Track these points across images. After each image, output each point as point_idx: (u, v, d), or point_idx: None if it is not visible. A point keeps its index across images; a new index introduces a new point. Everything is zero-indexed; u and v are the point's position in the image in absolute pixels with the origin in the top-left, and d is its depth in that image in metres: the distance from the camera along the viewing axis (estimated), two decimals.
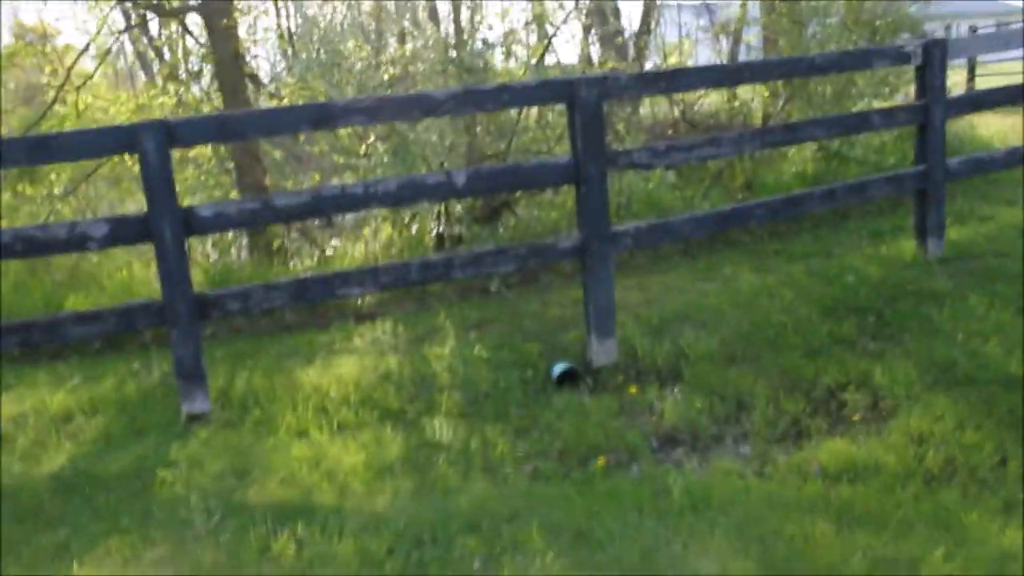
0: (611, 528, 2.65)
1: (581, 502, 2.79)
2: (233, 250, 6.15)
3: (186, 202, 5.88)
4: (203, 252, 6.10)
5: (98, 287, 5.18)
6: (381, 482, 3.11)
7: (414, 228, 6.27)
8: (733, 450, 3.18)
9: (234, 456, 3.38)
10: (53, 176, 5.81)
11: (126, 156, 3.55)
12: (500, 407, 3.76)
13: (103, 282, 5.24)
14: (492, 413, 3.71)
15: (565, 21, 7.30)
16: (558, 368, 4.07)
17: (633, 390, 3.78)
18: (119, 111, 6.49)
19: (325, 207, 3.89)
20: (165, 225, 3.55)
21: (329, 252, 6.19)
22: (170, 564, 2.65)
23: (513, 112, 6.21)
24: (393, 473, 3.16)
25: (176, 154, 4.47)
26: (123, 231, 3.64)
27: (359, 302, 5.27)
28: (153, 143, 3.48)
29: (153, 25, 8.84)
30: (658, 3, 8.96)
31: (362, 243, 6.19)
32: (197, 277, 5.38)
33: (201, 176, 6.29)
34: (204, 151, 6.10)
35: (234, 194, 6.24)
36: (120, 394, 4.13)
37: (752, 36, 9.04)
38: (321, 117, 3.89)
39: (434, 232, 6.10)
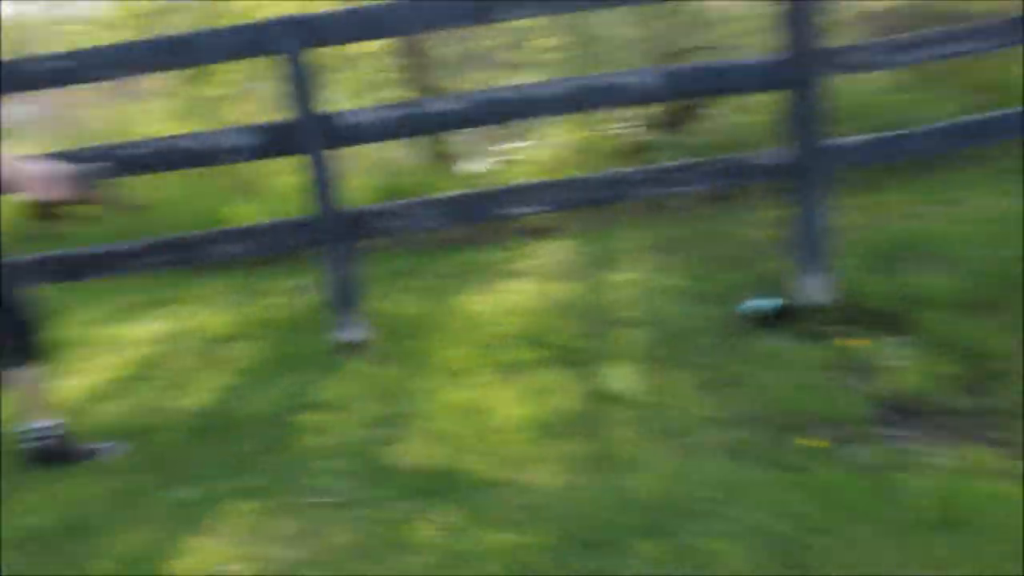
0: (831, 547, 2.07)
1: (790, 499, 2.25)
2: (396, 155, 5.82)
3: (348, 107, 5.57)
4: (359, 161, 5.81)
5: (259, 196, 4.98)
6: (545, 446, 2.69)
7: (594, 132, 5.75)
8: (987, 434, 2.55)
9: (382, 399, 3.07)
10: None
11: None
12: (688, 352, 3.27)
13: (264, 191, 5.05)
14: (678, 359, 3.22)
15: None
16: (758, 305, 3.51)
17: (852, 341, 3.17)
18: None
19: (489, 114, 3.42)
20: (309, 134, 3.21)
21: (500, 160, 5.76)
22: (295, 543, 2.33)
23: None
24: (560, 434, 2.75)
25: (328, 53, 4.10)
26: (270, 140, 3.33)
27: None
28: (293, 41, 3.12)
29: None
30: None
31: (537, 149, 5.72)
32: (352, 190, 5.10)
33: (364, 78, 5.95)
34: (368, 47, 5.71)
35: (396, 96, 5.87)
36: (272, 317, 3.93)
37: None
38: (481, 9, 3.36)
39: (616, 138, 5.55)
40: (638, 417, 2.83)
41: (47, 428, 2.77)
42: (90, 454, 2.83)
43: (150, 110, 5.70)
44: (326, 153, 3.30)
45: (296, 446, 2.82)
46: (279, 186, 4.91)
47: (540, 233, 4.71)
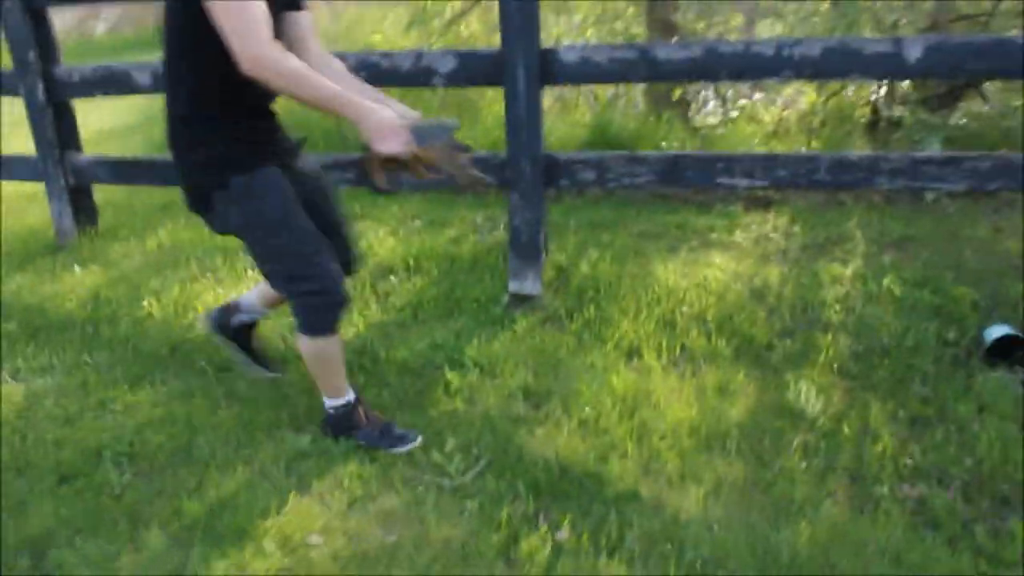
0: None
1: None
2: (622, 98, 5.47)
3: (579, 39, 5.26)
4: (576, 98, 5.50)
5: (480, 122, 4.82)
6: (703, 461, 2.39)
7: (847, 95, 5.13)
8: None
9: (540, 369, 2.85)
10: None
11: None
12: (899, 376, 2.82)
13: (484, 116, 4.88)
14: (885, 383, 2.79)
15: None
16: (994, 333, 2.97)
17: None
18: None
19: (719, 69, 3.03)
20: (518, 66, 2.98)
21: (733, 114, 5.28)
22: (391, 525, 2.17)
23: None
24: (723, 450, 2.43)
25: None
26: (472, 68, 3.14)
27: None
28: None
29: None
30: None
31: (775, 107, 5.20)
32: (561, 129, 4.83)
33: (599, 10, 5.59)
34: None
35: (640, 33, 5.49)
36: (453, 250, 3.78)
37: None
38: None
39: (869, 109, 4.92)
40: (817, 446, 2.46)
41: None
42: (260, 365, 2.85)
43: (374, 17, 5.66)
44: (531, 89, 3.06)
45: (430, 408, 2.65)
46: (491, 115, 4.74)
47: (757, 203, 4.27)
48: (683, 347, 2.98)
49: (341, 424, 2.46)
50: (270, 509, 2.23)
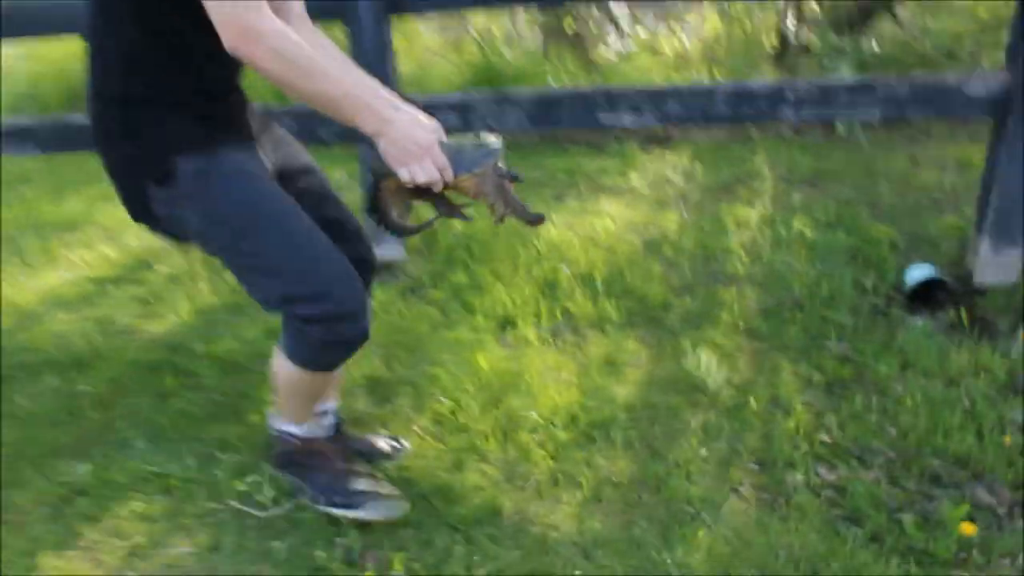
0: None
1: None
2: (515, 33, 4.97)
3: None
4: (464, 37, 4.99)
5: None
6: (583, 456, 1.97)
7: (753, 22, 4.73)
8: None
9: (394, 352, 2.38)
10: None
11: None
12: (813, 333, 2.44)
13: None
14: (798, 342, 2.40)
15: None
16: (916, 276, 2.62)
17: None
18: None
19: None
20: None
21: (633, 47, 4.83)
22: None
23: None
24: (608, 442, 2.01)
25: None
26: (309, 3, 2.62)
27: None
28: None
29: None
30: None
31: (675, 37, 4.77)
32: (448, 68, 4.34)
33: None
34: None
35: None
36: None
37: None
38: None
39: (776, 35, 4.52)
40: (719, 427, 2.06)
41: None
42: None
43: None
44: (378, 21, 2.57)
45: (249, 415, 2.16)
46: None
47: (654, 142, 3.85)
48: (566, 313, 2.55)
49: (286, 458, 1.87)
50: None
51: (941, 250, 2.80)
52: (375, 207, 1.59)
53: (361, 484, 1.79)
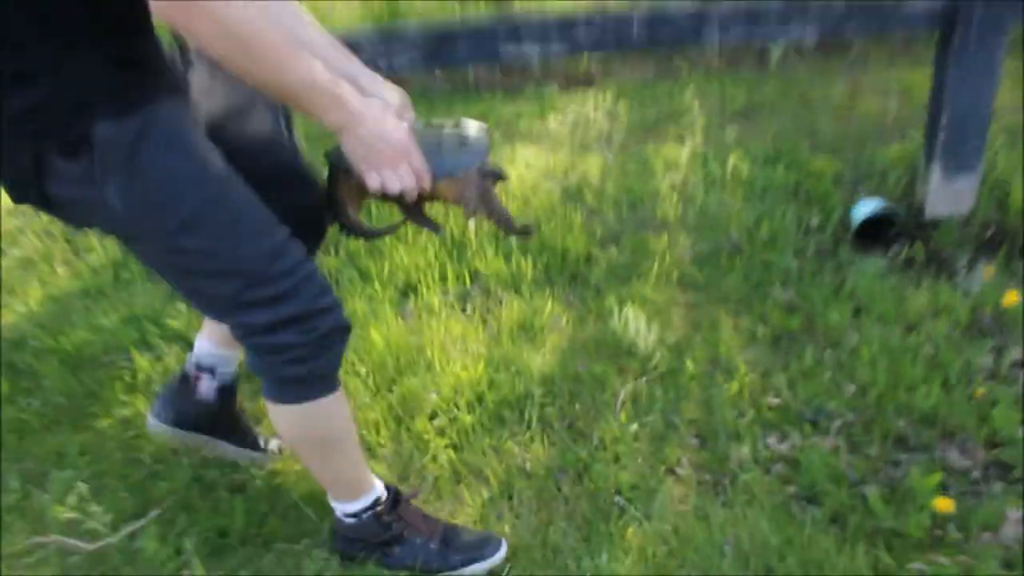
0: None
1: None
2: None
3: None
4: None
5: None
6: (491, 444, 1.68)
7: None
8: None
9: None
10: None
11: None
12: (755, 281, 2.17)
13: None
14: (738, 292, 2.13)
15: None
16: (864, 211, 2.36)
17: (1014, 297, 2.01)
18: None
19: None
20: None
21: None
22: None
23: None
24: (521, 425, 1.71)
25: None
26: None
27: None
28: None
29: None
30: None
31: None
32: (352, 8, 3.93)
33: None
34: None
35: None
36: None
37: None
38: None
39: None
40: (651, 397, 1.77)
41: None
42: None
43: None
44: None
45: (94, 421, 1.81)
46: None
47: (576, 82, 3.52)
48: (475, 274, 2.23)
49: (366, 536, 1.43)
50: None
51: (889, 182, 2.54)
52: (332, 204, 1.31)
53: (462, 532, 1.47)
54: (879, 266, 2.24)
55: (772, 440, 1.68)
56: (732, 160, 2.69)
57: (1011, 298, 1.98)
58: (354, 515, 1.39)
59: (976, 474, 1.59)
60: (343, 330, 1.25)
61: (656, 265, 2.24)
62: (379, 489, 1.41)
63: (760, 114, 3.13)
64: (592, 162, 2.79)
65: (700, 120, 3.04)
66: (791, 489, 1.56)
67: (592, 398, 1.78)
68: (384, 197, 1.24)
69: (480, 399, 1.76)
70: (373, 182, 1.18)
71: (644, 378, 1.84)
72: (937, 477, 1.51)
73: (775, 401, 1.77)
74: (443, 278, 2.22)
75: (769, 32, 2.41)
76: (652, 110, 3.20)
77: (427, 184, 1.20)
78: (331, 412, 1.30)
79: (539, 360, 1.90)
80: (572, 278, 2.24)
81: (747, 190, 2.55)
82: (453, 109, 3.28)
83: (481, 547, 1.43)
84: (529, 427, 1.70)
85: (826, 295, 2.11)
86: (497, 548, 1.43)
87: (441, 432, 1.69)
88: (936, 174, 2.37)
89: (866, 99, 3.20)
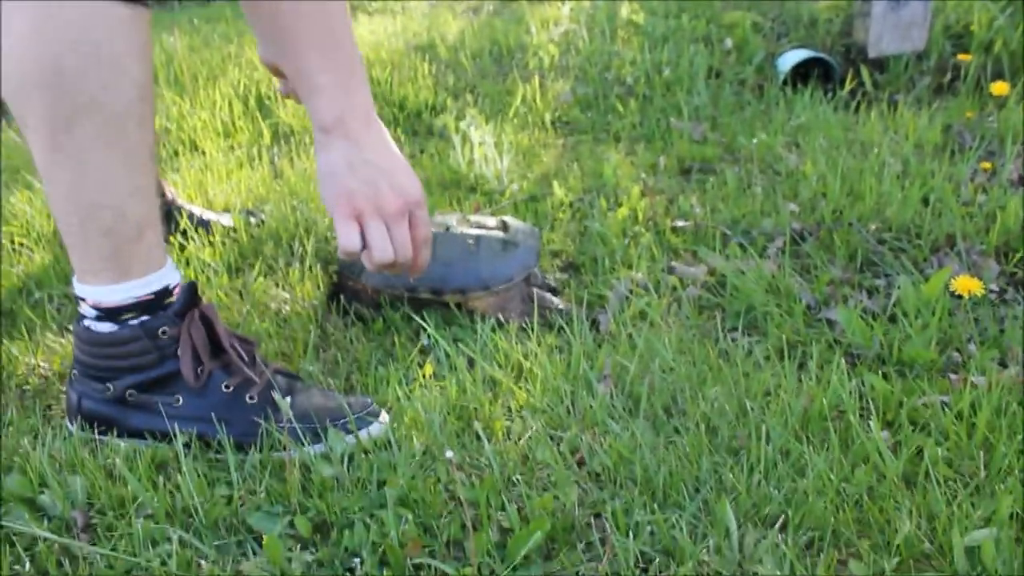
0: None
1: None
2: None
3: None
4: None
5: None
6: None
7: None
8: None
9: None
10: None
11: None
12: (655, 117, 1.60)
13: None
14: (633, 130, 1.56)
15: None
16: (790, 59, 1.82)
17: (1003, 88, 1.47)
18: None
19: None
20: None
21: None
22: None
23: None
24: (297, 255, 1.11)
25: None
26: None
27: None
28: None
29: None
30: None
31: None
32: None
33: None
34: None
35: None
36: None
37: None
38: None
39: None
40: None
41: None
42: None
43: None
44: None
45: None
46: None
47: None
48: (276, 128, 1.61)
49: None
50: None
51: (819, 31, 2.01)
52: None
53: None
54: (816, 97, 1.70)
55: (678, 265, 1.09)
56: (625, 12, 2.14)
57: (1000, 88, 1.44)
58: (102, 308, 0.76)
59: (992, 287, 1.03)
60: None
61: (522, 108, 1.65)
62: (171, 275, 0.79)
63: None
64: (452, 24, 2.21)
65: None
66: (713, 320, 0.97)
67: None
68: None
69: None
70: (341, 234, 0.78)
71: (489, 209, 1.24)
72: (945, 274, 0.94)
73: (684, 224, 1.18)
74: (230, 133, 1.59)
75: None
76: None
77: (423, 263, 0.84)
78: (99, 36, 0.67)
79: None
80: (412, 129, 1.64)
81: (644, 40, 1.98)
82: None
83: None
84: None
85: (750, 124, 1.55)
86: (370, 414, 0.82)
87: None
88: (879, 3, 1.85)
89: None
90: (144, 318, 0.74)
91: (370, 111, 0.78)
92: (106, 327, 0.74)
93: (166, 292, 0.75)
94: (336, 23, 0.75)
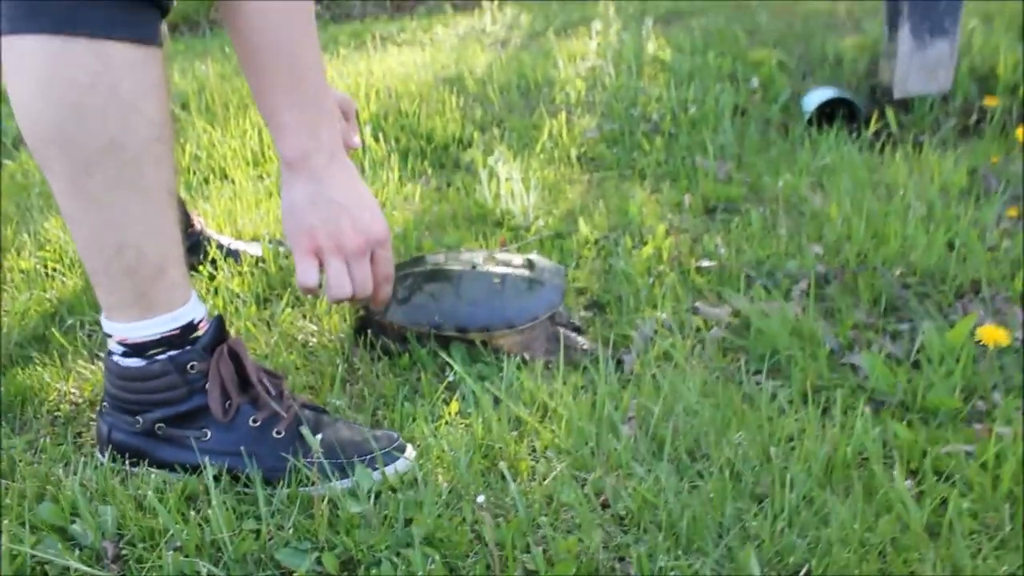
0: None
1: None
2: None
3: None
4: None
5: None
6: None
7: None
8: None
9: None
10: None
11: None
12: (680, 155, 1.61)
13: None
14: (658, 167, 1.57)
15: None
16: (816, 98, 1.83)
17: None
18: None
19: None
20: None
21: None
22: None
23: None
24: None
25: None
26: None
27: None
28: None
29: None
30: None
31: None
32: None
33: None
34: None
35: None
36: None
37: None
38: None
39: None
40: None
41: None
42: None
43: None
44: None
45: None
46: None
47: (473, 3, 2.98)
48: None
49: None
50: None
51: (845, 70, 2.02)
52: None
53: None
54: (841, 137, 1.71)
55: (703, 305, 1.10)
56: (651, 48, 2.16)
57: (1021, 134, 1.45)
58: (131, 345, 0.77)
59: (1017, 335, 1.03)
60: None
61: (548, 143, 1.67)
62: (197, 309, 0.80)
63: (687, 19, 2.62)
64: (480, 57, 2.24)
65: (615, 24, 2.51)
66: (737, 362, 0.98)
67: None
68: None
69: None
70: (301, 270, 0.81)
71: (516, 245, 1.26)
72: (971, 320, 0.94)
73: (708, 264, 1.19)
74: (259, 162, 1.62)
75: None
76: (560, 18, 2.66)
77: (384, 297, 0.88)
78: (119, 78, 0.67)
79: None
80: (439, 162, 1.66)
81: (670, 76, 2.00)
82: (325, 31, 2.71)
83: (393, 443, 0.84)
84: None
85: (775, 164, 1.56)
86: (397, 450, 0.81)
87: None
88: (905, 42, 1.86)
89: None
90: (172, 352, 0.76)
91: (337, 149, 0.81)
92: (134, 362, 0.76)
93: (191, 327, 0.77)
94: (303, 60, 0.76)
